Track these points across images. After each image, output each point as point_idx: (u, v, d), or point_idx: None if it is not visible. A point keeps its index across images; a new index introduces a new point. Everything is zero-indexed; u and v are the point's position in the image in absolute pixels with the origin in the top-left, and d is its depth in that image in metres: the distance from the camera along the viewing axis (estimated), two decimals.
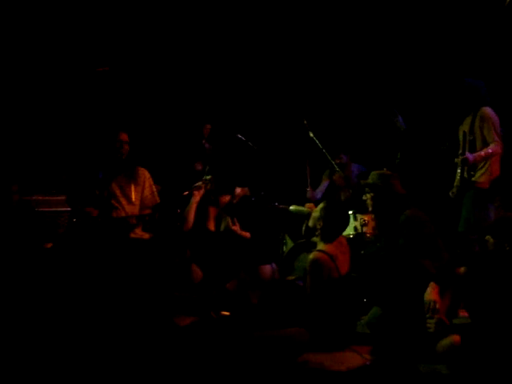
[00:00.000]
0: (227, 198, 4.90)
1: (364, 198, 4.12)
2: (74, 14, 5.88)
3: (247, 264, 4.67)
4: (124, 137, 4.58)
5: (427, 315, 3.34)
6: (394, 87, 6.02)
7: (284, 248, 5.47)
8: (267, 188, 5.44)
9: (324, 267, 3.78)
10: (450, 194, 4.97)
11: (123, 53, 6.09)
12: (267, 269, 4.83)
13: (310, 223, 4.04)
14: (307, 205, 5.24)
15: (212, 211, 4.87)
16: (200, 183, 4.70)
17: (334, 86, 6.31)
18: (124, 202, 4.57)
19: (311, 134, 4.96)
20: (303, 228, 4.15)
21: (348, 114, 6.21)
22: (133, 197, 4.55)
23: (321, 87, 6.31)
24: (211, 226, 4.78)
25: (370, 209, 4.07)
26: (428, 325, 3.33)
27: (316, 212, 4.01)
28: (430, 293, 3.40)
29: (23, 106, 5.57)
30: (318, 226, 4.01)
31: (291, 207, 5.34)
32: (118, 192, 4.53)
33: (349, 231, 5.04)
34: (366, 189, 4.07)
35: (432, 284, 3.45)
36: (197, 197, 4.60)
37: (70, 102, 5.80)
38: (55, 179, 5.52)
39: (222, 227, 4.85)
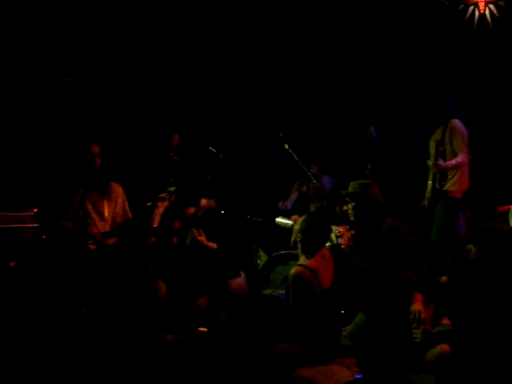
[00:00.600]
0: (192, 210, 4.80)
1: (345, 208, 4.12)
2: (38, 22, 5.68)
3: (215, 278, 4.57)
4: (96, 149, 4.39)
5: (413, 325, 3.36)
6: (366, 98, 6.10)
7: (258, 261, 5.41)
8: (239, 200, 5.38)
9: (305, 282, 3.75)
10: (422, 205, 5.08)
11: (89, 62, 5.91)
12: (236, 282, 4.76)
13: (293, 236, 4.01)
14: (293, 217, 5.22)
15: (176, 224, 4.72)
16: (164, 194, 4.60)
17: (307, 97, 6.34)
18: (96, 217, 4.39)
19: (286, 146, 4.95)
20: (291, 240, 4.10)
21: (318, 125, 6.24)
22: (105, 213, 4.38)
23: (293, 98, 6.32)
24: (175, 240, 4.65)
25: (352, 218, 4.08)
26: (414, 335, 3.34)
27: (297, 225, 3.99)
28: (415, 303, 3.43)
29: None
30: (298, 239, 3.98)
31: (277, 219, 5.31)
32: (90, 207, 4.34)
33: None
34: (347, 199, 4.07)
35: (416, 294, 3.48)
36: (160, 208, 4.50)
37: (37, 114, 5.57)
38: (18, 194, 5.26)
39: (188, 240, 4.76)
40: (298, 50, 6.37)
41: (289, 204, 5.83)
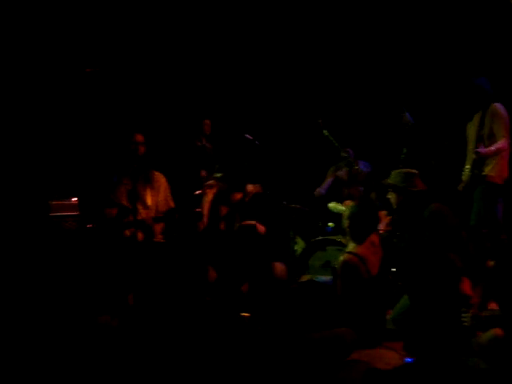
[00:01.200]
0: (238, 196, 4.83)
1: (388, 196, 4.15)
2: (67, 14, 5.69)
3: (261, 262, 4.60)
4: (139, 138, 4.44)
5: (462, 310, 3.38)
6: (402, 83, 6.05)
7: (295, 247, 5.44)
8: (275, 187, 5.39)
9: (354, 269, 3.76)
10: (459, 188, 5.06)
11: (119, 51, 5.91)
12: (279, 267, 4.79)
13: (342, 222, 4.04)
14: (346, 202, 5.22)
15: (223, 210, 4.80)
16: (212, 181, 4.61)
17: (343, 83, 6.30)
18: (140, 206, 4.43)
19: (326, 132, 4.94)
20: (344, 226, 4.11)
21: (354, 111, 6.20)
22: (148, 201, 4.43)
23: (329, 84, 6.28)
24: (223, 226, 4.71)
25: (394, 207, 4.09)
26: (463, 319, 3.36)
27: (346, 211, 4.00)
28: (463, 287, 3.44)
29: (32, 108, 5.35)
30: (346, 225, 3.99)
31: (330, 204, 5.31)
32: (134, 196, 4.38)
33: None
34: (389, 188, 4.10)
35: (463, 278, 3.49)
36: (209, 195, 4.53)
37: (79, 104, 5.60)
38: (58, 183, 5.32)
39: (236, 226, 4.80)
40: (335, 34, 6.30)
41: (323, 189, 5.84)
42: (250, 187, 4.95)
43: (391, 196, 4.17)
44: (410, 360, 3.41)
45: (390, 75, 6.16)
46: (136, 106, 5.79)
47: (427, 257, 3.86)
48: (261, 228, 4.68)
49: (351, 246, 3.85)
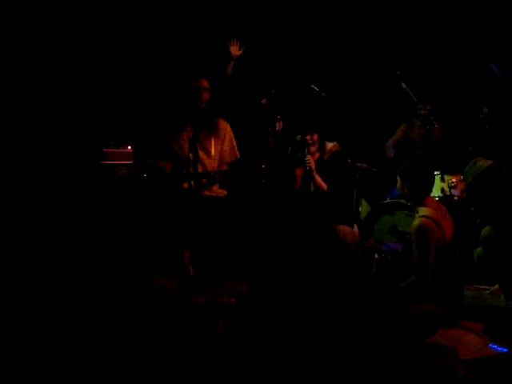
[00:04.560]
0: (317, 155, 4.64)
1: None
2: None
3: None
4: (204, 83, 4.09)
5: None
6: (486, 31, 5.45)
7: (360, 209, 5.08)
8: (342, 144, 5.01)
9: (431, 233, 3.41)
10: None
11: None
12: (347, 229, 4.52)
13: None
14: None
15: (298, 171, 4.62)
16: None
17: (424, 35, 5.74)
18: (203, 156, 4.16)
19: (404, 85, 4.48)
20: None
21: (435, 61, 5.64)
22: (212, 151, 4.13)
23: (408, 31, 5.72)
24: (298, 186, 4.59)
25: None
26: None
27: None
28: None
29: (91, 54, 5.05)
30: (405, 190, 3.65)
31: None
32: (197, 145, 4.09)
33: (435, 193, 4.66)
34: None
35: None
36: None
37: (141, 49, 5.28)
38: (114, 130, 5.07)
39: (312, 187, 4.54)
40: None
41: (390, 148, 5.46)
42: (329, 145, 4.65)
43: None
44: (496, 347, 3.06)
45: (471, 22, 5.55)
46: (202, 53, 5.39)
47: None
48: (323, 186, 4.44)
49: (424, 211, 3.48)
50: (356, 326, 2.68)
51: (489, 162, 3.91)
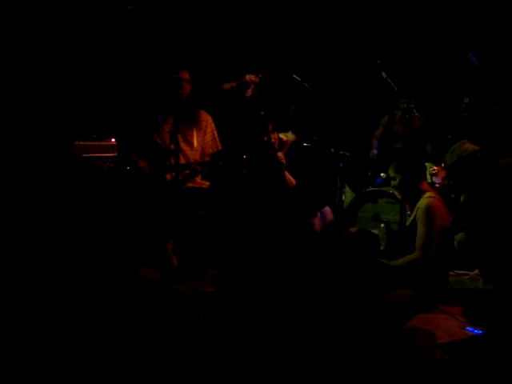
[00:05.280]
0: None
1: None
2: None
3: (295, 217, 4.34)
4: (184, 75, 4.11)
5: None
6: (465, 21, 5.49)
7: (343, 197, 5.14)
8: (323, 133, 5.05)
9: (438, 213, 3.49)
10: None
11: None
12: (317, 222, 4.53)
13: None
14: None
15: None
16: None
17: (403, 20, 5.76)
18: (186, 147, 4.18)
19: (384, 75, 4.50)
20: None
21: (416, 51, 5.67)
22: (195, 142, 4.16)
23: (389, 20, 5.74)
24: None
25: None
26: None
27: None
28: None
29: (71, 45, 5.03)
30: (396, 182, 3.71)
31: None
32: (179, 137, 4.12)
33: None
34: None
35: None
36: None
37: (121, 40, 5.26)
38: (97, 123, 5.07)
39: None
40: None
41: (373, 147, 5.58)
42: (284, 138, 4.58)
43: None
44: (472, 330, 3.14)
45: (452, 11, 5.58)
46: (184, 45, 5.38)
47: (496, 213, 3.57)
48: (292, 180, 4.35)
49: (429, 193, 3.58)
50: (330, 313, 2.75)
51: (475, 147, 3.99)
